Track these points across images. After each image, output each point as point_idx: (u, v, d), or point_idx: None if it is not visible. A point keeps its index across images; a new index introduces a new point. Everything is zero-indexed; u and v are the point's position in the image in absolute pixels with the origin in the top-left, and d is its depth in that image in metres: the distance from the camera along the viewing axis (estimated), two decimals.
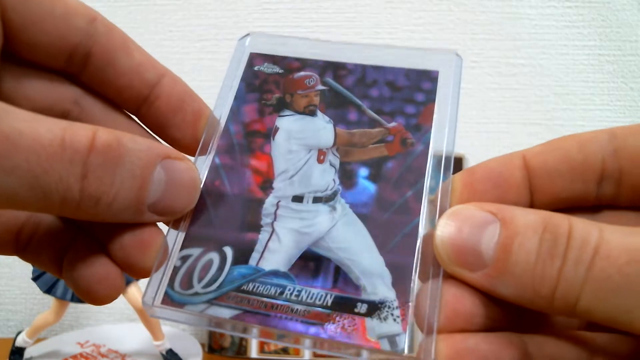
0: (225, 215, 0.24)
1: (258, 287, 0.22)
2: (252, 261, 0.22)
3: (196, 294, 0.22)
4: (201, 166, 0.25)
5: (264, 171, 0.25)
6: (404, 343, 0.20)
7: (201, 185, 0.23)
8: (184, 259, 0.23)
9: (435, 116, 0.25)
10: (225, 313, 0.21)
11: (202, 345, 0.53)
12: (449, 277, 0.21)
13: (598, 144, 0.22)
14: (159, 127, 0.26)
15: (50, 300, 0.47)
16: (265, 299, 0.22)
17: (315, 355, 0.20)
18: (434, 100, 0.26)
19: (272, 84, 0.27)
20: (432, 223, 0.22)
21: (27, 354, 0.49)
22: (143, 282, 0.48)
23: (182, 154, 0.23)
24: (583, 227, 0.18)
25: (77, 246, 0.23)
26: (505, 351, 0.20)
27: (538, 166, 0.22)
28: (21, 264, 0.65)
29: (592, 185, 0.22)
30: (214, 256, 0.23)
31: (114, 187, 0.19)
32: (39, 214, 0.23)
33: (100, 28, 0.23)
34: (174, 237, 0.23)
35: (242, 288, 0.22)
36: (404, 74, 0.27)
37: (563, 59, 0.68)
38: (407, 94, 0.26)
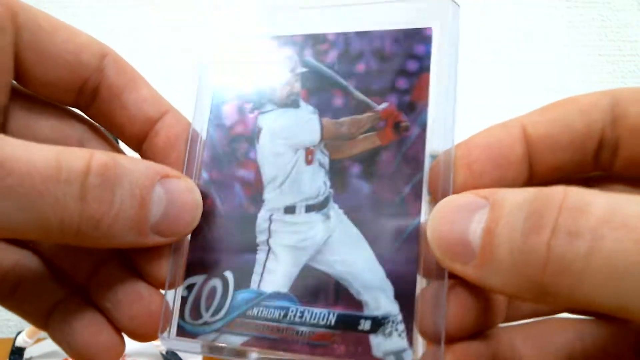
0: (221, 236, 0.23)
1: (262, 311, 0.22)
2: (253, 284, 0.22)
3: (206, 323, 0.22)
4: None
5: (252, 182, 0.23)
6: (410, 358, 0.20)
7: (201, 204, 0.23)
8: (189, 287, 0.23)
9: (431, 89, 0.22)
10: (235, 340, 0.22)
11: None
12: (450, 278, 0.19)
13: (599, 112, 0.19)
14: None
15: None
16: (270, 323, 0.22)
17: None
18: (428, 69, 0.22)
19: None
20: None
21: (27, 354, 0.49)
22: None
23: (181, 173, 0.22)
24: (580, 195, 0.15)
25: (69, 306, 0.23)
26: (501, 350, 0.20)
27: (539, 139, 0.20)
28: None
29: (590, 155, 0.20)
30: (217, 282, 0.23)
31: (114, 208, 0.19)
32: (25, 263, 0.24)
33: (111, 63, 0.23)
34: (177, 263, 0.23)
35: (247, 313, 0.22)
36: (393, 38, 0.23)
37: (563, 59, 0.63)
38: (398, 63, 0.23)
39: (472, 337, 0.19)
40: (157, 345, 0.47)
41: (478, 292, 0.19)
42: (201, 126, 0.25)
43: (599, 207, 0.15)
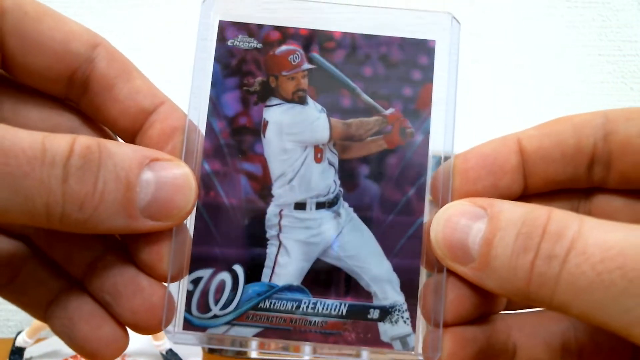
0: (227, 230, 0.23)
1: (275, 303, 0.23)
2: (265, 277, 0.23)
3: (215, 316, 0.23)
4: None
5: (259, 176, 0.24)
6: (414, 342, 0.23)
7: (195, 187, 0.22)
8: (195, 282, 0.23)
9: (433, 99, 0.24)
10: (248, 332, 0.23)
11: None
12: (449, 271, 0.22)
13: (591, 128, 0.22)
14: None
15: None
16: (283, 314, 0.23)
17: (315, 352, 0.22)
18: (431, 80, 0.24)
19: (252, 63, 0.24)
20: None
21: (27, 354, 0.50)
22: None
23: (172, 156, 0.22)
24: (561, 220, 0.19)
25: (69, 298, 0.22)
26: (495, 336, 0.23)
27: (532, 151, 0.22)
28: None
29: (583, 168, 0.23)
30: (226, 276, 0.23)
31: (97, 190, 0.19)
32: (21, 254, 0.23)
33: (102, 54, 0.22)
34: (179, 256, 0.23)
35: (259, 306, 0.23)
36: (398, 45, 0.24)
37: (563, 59, 0.64)
38: (403, 71, 0.24)
39: (470, 322, 0.22)
40: (157, 345, 0.45)
41: (472, 284, 0.22)
42: (199, 114, 0.24)
43: (571, 233, 0.18)
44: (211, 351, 0.50)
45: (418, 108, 0.24)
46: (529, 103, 0.64)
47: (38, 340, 0.51)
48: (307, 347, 0.23)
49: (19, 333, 0.49)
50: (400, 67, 0.24)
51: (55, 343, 0.52)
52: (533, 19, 0.64)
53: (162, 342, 0.46)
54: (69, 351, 0.50)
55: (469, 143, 0.23)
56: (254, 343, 0.23)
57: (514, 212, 0.20)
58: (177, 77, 0.63)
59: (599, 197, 0.23)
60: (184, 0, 0.64)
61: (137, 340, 0.49)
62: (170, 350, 0.47)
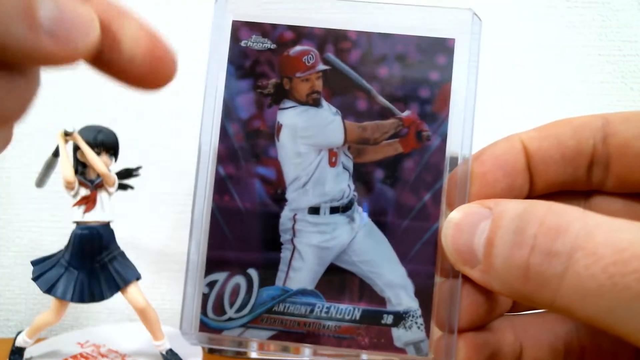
0: (242, 234, 0.23)
1: (289, 307, 0.23)
2: (279, 281, 0.23)
3: (230, 319, 0.23)
4: (204, 178, 0.23)
5: (273, 180, 0.23)
6: (427, 348, 0.23)
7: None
8: (210, 285, 0.23)
9: (451, 101, 0.23)
10: (262, 335, 0.23)
11: None
12: (463, 277, 0.22)
13: (591, 130, 0.22)
14: None
15: (50, 300, 0.46)
16: (297, 318, 0.23)
17: (315, 354, 0.22)
18: (450, 80, 0.23)
19: (266, 64, 0.24)
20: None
21: (27, 354, 0.49)
22: (142, 283, 0.47)
23: None
24: (561, 214, 0.18)
25: None
26: (504, 339, 0.23)
27: (534, 152, 0.22)
28: (21, 265, 0.63)
29: (582, 170, 0.22)
30: (240, 280, 0.23)
31: None
32: None
33: None
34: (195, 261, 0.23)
35: (273, 309, 0.23)
36: (416, 44, 0.24)
37: (563, 59, 0.62)
38: (420, 71, 0.23)
39: (480, 327, 0.22)
40: (157, 345, 0.45)
41: (487, 289, 0.22)
42: (213, 117, 0.24)
43: (575, 230, 0.17)
44: (211, 351, 0.51)
45: (435, 110, 0.23)
46: (528, 103, 0.63)
47: (38, 340, 0.51)
48: (306, 349, 0.23)
49: (19, 333, 0.49)
50: (417, 68, 0.23)
51: (55, 343, 0.52)
52: (533, 19, 0.63)
53: (162, 342, 0.46)
54: (69, 351, 0.50)
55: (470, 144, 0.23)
56: (254, 344, 0.23)
57: (516, 208, 0.19)
58: (178, 77, 0.62)
59: (599, 200, 0.23)
60: (184, 0, 0.63)
61: (137, 340, 0.49)
62: (170, 350, 0.46)
